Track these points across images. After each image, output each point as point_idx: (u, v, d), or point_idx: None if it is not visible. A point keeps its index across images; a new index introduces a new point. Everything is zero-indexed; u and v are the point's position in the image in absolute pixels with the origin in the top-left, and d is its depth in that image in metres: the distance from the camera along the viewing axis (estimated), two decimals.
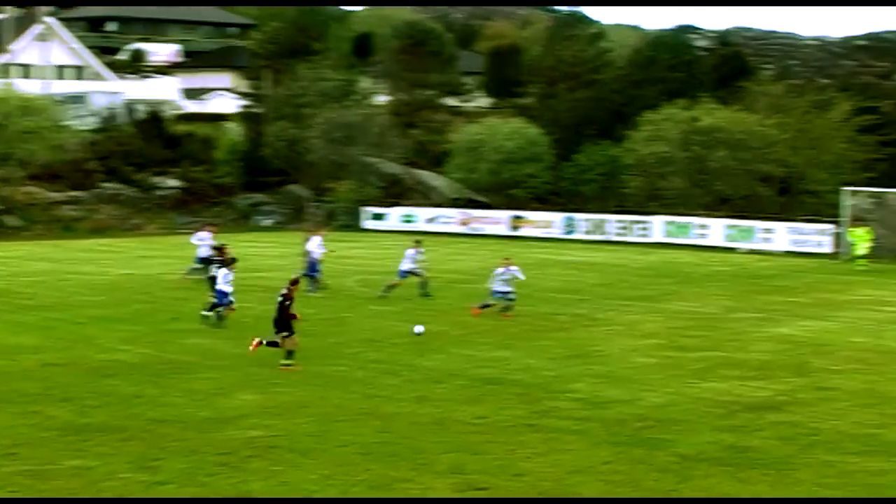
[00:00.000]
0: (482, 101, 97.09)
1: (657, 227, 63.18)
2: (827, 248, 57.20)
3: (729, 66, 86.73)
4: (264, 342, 25.55)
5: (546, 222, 67.11)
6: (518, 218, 68.23)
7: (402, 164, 78.25)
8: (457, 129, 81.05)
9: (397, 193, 75.86)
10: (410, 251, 38.04)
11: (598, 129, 75.16)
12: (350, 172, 74.42)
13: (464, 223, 69.40)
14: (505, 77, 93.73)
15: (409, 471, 17.20)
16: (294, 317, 25.46)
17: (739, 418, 20.74)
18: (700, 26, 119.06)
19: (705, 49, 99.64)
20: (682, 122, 67.35)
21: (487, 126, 75.38)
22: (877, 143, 67.57)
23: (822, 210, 63.14)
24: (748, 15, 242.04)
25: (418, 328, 29.34)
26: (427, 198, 75.58)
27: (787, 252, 58.11)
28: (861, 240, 52.02)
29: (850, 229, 52.10)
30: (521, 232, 67.06)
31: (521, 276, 34.70)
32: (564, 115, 78.06)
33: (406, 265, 37.74)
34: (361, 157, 74.51)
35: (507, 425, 20.15)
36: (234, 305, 31.01)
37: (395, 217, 71.61)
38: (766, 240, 59.94)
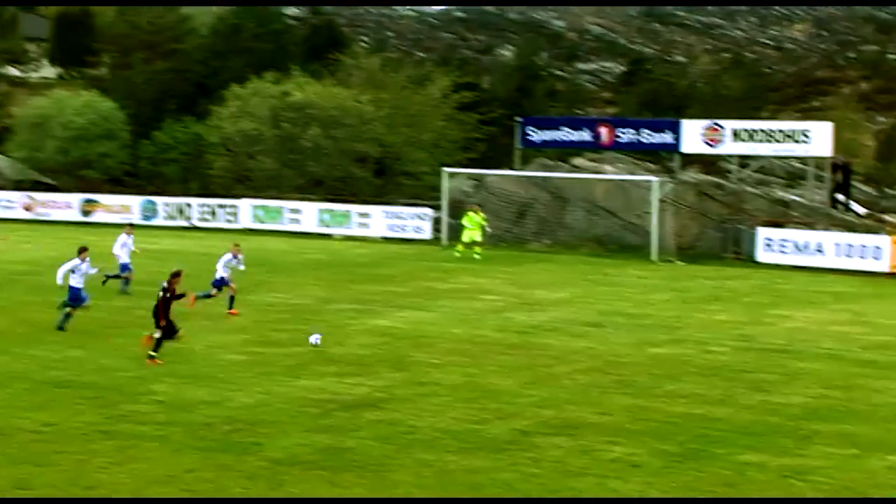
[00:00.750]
0: (48, 70, 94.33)
1: (245, 211, 63.31)
2: (426, 234, 58.83)
3: (321, 36, 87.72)
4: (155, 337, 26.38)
5: (122, 206, 66.02)
6: (90, 202, 66.82)
7: None
8: (19, 102, 78.46)
9: None
10: None
11: (179, 103, 74.44)
12: None
13: (27, 208, 67.34)
14: (74, 44, 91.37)
15: None
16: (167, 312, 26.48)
17: (335, 418, 21.11)
18: None
19: (295, 18, 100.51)
20: (272, 97, 67.57)
21: (54, 99, 73.40)
22: (477, 121, 69.66)
23: (421, 193, 64.88)
24: None
25: (314, 338, 28.29)
26: None
27: (385, 238, 59.49)
28: (476, 226, 52.65)
29: (468, 214, 52.99)
30: (95, 217, 65.76)
31: (242, 267, 34.88)
32: (142, 89, 76.88)
33: None
34: None
35: (79, 433, 19.76)
36: None
37: None
38: (363, 225, 61.09)
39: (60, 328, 29.83)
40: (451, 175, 59.36)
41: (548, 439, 19.75)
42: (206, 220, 64.18)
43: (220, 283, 34.38)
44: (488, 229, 53.04)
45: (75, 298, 30.45)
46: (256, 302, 35.90)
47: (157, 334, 26.40)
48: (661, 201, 54.23)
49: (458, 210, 58.94)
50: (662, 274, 47.16)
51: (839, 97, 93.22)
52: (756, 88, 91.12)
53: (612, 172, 60.45)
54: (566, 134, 61.83)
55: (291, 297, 37.19)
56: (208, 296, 33.88)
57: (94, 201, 66.79)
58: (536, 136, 62.09)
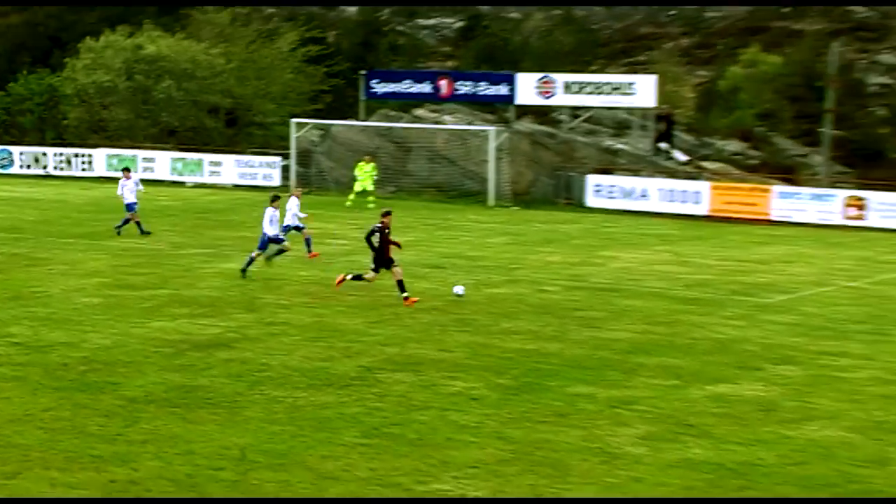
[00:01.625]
0: None
1: (100, 160, 62.06)
2: (276, 182, 58.38)
3: None
4: (349, 277, 27.56)
5: None
6: None
7: None
8: None
9: None
10: None
11: (34, 56, 72.80)
12: None
13: None
14: None
15: None
16: (395, 244, 27.59)
17: (188, 357, 20.87)
18: None
19: None
20: (125, 49, 66.36)
21: None
22: (324, 74, 69.49)
23: (270, 142, 64.48)
24: None
25: (458, 289, 27.64)
26: None
27: (236, 186, 58.93)
28: (367, 176, 51.98)
29: (359, 164, 52.42)
30: None
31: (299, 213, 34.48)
32: None
33: None
34: None
35: None
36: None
37: None
38: (215, 173, 60.40)
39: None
40: (299, 125, 59.07)
41: (392, 375, 19.78)
42: (61, 168, 62.77)
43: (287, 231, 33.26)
44: (375, 177, 52.35)
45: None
46: (112, 247, 35.34)
47: (370, 275, 27.28)
48: (498, 150, 54.53)
49: (305, 158, 58.80)
50: (499, 219, 47.47)
51: (662, 52, 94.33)
52: (585, 44, 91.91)
53: (452, 123, 60.57)
54: (408, 86, 61.69)
55: (146, 242, 36.68)
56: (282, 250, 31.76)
57: None
58: (380, 88, 61.85)
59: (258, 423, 16.86)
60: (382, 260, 27.06)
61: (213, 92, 66.86)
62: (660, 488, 14.32)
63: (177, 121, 66.75)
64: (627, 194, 51.81)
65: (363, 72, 62.94)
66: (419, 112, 63.13)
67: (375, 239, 26.97)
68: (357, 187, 51.66)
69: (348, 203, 50.62)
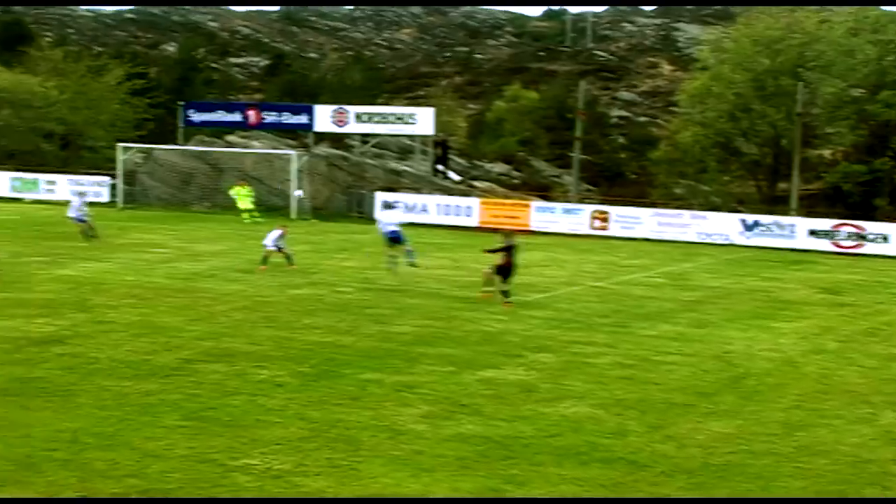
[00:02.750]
0: None
1: None
2: (104, 198, 57.05)
3: (11, 31, 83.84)
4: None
5: None
6: None
7: None
8: None
9: None
10: None
11: None
12: None
13: None
14: None
15: None
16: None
17: (26, 352, 20.17)
18: None
19: None
20: None
21: None
22: (147, 104, 68.73)
23: (100, 164, 63.15)
24: None
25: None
26: None
27: (66, 201, 57.34)
28: (244, 197, 51.66)
29: (235, 188, 51.91)
30: None
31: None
32: None
33: None
34: None
35: None
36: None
37: None
38: (50, 191, 58.70)
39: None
40: (125, 149, 57.99)
41: (208, 366, 19.48)
42: None
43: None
44: (251, 199, 51.96)
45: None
46: None
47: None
48: (299, 171, 54.30)
49: (131, 178, 57.73)
50: (301, 230, 47.21)
51: (438, 88, 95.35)
52: (374, 80, 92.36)
53: (260, 147, 60.09)
54: (221, 116, 61.05)
55: None
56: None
57: None
58: (196, 117, 61.11)
59: (89, 409, 16.39)
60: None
61: (49, 120, 65.48)
62: (439, 459, 14.44)
63: (15, 145, 64.96)
64: (410, 209, 52.14)
65: (181, 103, 62.11)
66: (231, 138, 62.47)
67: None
68: (241, 206, 51.21)
69: (246, 219, 50.01)
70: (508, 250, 27.69)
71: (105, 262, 33.80)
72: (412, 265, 33.21)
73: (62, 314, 24.32)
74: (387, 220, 35.28)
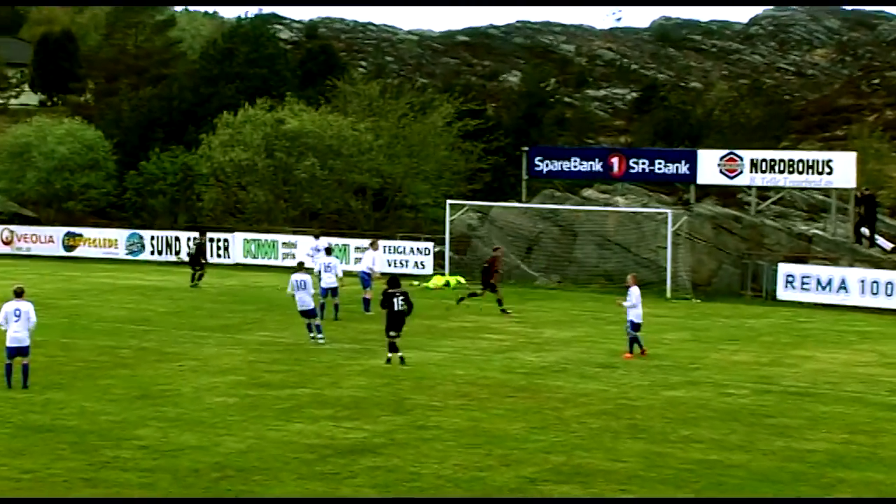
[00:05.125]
0: (29, 97, 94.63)
1: (237, 245, 63.20)
2: (428, 269, 58.66)
3: (317, 61, 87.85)
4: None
5: (108, 241, 65.97)
6: (73, 235, 66.75)
7: None
8: None
9: None
10: None
11: (167, 132, 74.52)
12: None
13: (7, 242, 67.32)
14: (57, 69, 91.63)
15: None
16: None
17: (331, 464, 21.01)
18: (284, 15, 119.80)
19: (290, 42, 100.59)
20: (265, 124, 67.47)
21: (36, 127, 73.36)
22: (482, 150, 69.64)
23: (421, 225, 64.82)
24: (339, 7, 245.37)
25: None
26: None
27: (384, 274, 59.29)
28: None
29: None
30: (78, 252, 65.67)
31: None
32: (128, 116, 77.15)
33: None
34: None
35: (60, 480, 19.70)
36: None
37: None
38: (360, 259, 60.75)
39: None
40: (454, 207, 59.21)
41: (557, 487, 19.66)
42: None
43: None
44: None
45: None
46: (248, 341, 35.88)
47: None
48: (676, 235, 54.19)
49: (461, 244, 59.01)
50: (677, 312, 47.08)
51: (863, 125, 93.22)
52: (776, 116, 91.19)
53: (624, 205, 60.41)
54: (576, 164, 61.68)
55: (285, 336, 37.13)
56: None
57: (78, 235, 66.68)
58: (544, 166, 61.95)
59: None
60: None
61: (360, 170, 67.34)
62: None
63: (319, 202, 67.42)
64: (824, 286, 50.98)
65: (526, 148, 63.16)
66: (588, 192, 63.13)
67: None
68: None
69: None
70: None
71: (428, 350, 34.80)
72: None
73: (374, 417, 25.18)
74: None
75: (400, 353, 31.94)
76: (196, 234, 57.40)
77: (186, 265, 54.66)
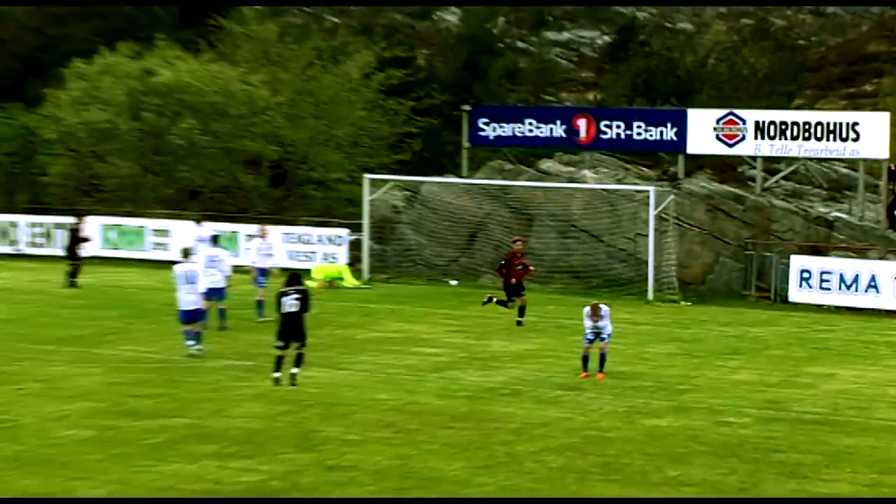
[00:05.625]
0: None
1: (94, 233, 62.76)
2: (342, 261, 58.50)
3: None
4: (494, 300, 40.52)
5: None
6: None
7: None
8: None
9: None
10: None
11: (2, 86, 73.96)
12: None
13: None
14: None
15: None
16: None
17: None
18: None
19: None
20: (130, 76, 67.02)
21: None
22: (411, 110, 69.33)
23: (335, 208, 64.66)
24: None
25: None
26: None
27: (283, 270, 59.22)
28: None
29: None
30: None
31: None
32: None
33: None
34: None
35: None
36: None
37: None
38: (269, 254, 60.62)
39: None
40: (375, 183, 59.12)
41: None
42: (38, 245, 63.53)
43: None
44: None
45: None
46: (108, 356, 35.80)
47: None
48: (660, 219, 54.37)
49: (383, 231, 58.75)
50: (662, 318, 47.39)
51: None
52: (787, 67, 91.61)
53: (594, 181, 60.55)
54: (531, 128, 61.78)
55: (157, 351, 37.03)
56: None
57: None
58: (491, 131, 62.02)
59: None
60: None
61: (254, 136, 66.95)
62: None
63: (202, 177, 66.99)
64: (848, 284, 51.37)
65: (467, 107, 63.16)
66: (547, 165, 63.26)
67: None
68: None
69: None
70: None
71: (342, 369, 34.83)
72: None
73: (273, 454, 25.18)
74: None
75: (295, 370, 31.80)
76: (73, 219, 56.89)
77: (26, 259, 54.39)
